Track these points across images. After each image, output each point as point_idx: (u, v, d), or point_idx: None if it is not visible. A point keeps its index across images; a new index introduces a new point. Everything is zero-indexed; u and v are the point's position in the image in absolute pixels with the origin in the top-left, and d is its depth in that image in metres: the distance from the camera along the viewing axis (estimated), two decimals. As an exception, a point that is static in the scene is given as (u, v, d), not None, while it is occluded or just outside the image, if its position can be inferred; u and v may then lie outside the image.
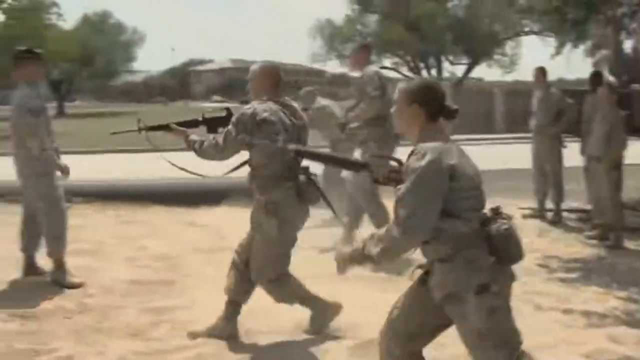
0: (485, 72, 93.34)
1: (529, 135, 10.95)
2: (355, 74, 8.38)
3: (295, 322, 5.67)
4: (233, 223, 8.35)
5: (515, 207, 10.91)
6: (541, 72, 10.62)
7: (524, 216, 10.50)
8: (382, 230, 3.56)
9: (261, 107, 5.21)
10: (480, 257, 3.53)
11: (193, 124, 5.74)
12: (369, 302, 6.10)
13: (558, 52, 30.48)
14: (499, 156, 17.81)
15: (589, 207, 10.13)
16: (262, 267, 5.36)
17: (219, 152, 5.32)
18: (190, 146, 5.48)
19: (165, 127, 5.73)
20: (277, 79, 5.41)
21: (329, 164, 5.25)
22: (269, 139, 5.13)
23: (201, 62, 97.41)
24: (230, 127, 5.26)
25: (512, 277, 3.63)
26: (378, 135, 7.98)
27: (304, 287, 5.54)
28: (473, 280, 3.50)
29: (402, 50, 44.27)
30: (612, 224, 9.05)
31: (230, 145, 5.26)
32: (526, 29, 44.69)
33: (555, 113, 10.38)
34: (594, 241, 9.13)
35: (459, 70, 49.12)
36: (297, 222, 5.36)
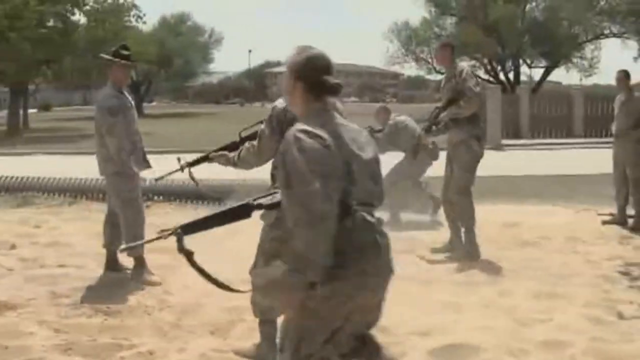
0: (564, 75, 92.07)
1: (609, 139, 10.73)
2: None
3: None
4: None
5: (595, 213, 10.73)
6: (624, 74, 10.38)
7: (604, 222, 10.24)
8: None
9: None
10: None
11: (233, 146, 5.51)
12: (440, 305, 6.19)
13: (642, 54, 29.91)
14: (577, 161, 17.52)
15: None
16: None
17: (256, 155, 5.07)
18: (231, 163, 5.28)
19: (205, 159, 5.62)
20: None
21: (215, 224, 4.25)
22: None
23: (278, 63, 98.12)
24: (263, 126, 4.98)
25: (361, 286, 3.16)
26: (478, 133, 8.03)
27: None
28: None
29: (480, 53, 43.91)
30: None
31: (265, 144, 4.94)
32: (606, 32, 43.96)
33: (638, 117, 10.13)
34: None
35: (537, 73, 48.62)
36: None
